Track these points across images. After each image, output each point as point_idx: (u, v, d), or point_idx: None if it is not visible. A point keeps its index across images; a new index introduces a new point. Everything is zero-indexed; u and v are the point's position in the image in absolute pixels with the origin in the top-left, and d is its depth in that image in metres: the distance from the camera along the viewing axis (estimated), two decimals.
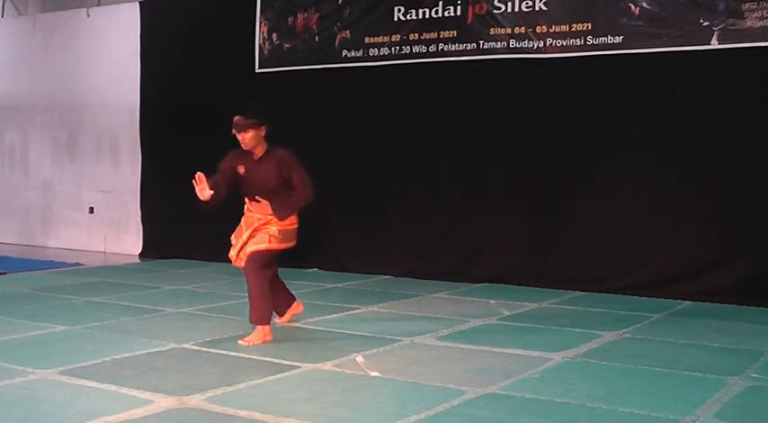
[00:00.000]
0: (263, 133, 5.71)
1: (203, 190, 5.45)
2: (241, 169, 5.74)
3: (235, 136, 5.69)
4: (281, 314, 6.28)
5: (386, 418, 3.98)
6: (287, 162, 5.70)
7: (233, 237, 5.94)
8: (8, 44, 12.49)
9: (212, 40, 10.31)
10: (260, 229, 5.74)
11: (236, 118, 5.67)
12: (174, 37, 10.62)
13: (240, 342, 5.59)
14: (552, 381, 4.71)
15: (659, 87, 7.82)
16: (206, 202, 5.52)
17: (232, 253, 5.91)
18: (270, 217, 5.73)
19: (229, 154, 5.82)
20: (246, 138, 5.65)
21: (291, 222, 5.81)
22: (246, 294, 5.80)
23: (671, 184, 7.82)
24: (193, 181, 5.50)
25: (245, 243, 5.78)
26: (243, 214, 5.95)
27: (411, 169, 9.09)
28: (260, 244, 5.72)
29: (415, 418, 3.97)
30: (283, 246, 5.80)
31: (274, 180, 5.68)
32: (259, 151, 5.72)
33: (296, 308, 6.36)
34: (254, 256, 5.71)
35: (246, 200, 5.88)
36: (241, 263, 5.83)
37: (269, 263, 5.81)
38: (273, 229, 5.72)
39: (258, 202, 5.75)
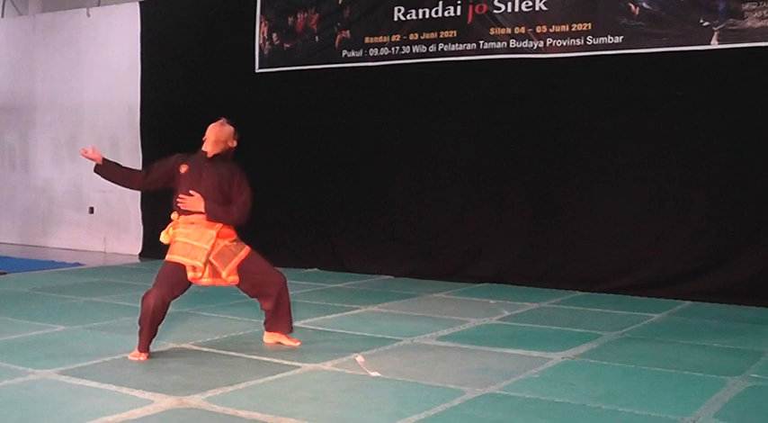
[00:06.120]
0: (234, 145, 5.41)
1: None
2: (183, 168, 5.36)
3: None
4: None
5: (386, 418, 3.98)
6: (239, 177, 5.37)
7: (183, 256, 5.25)
8: (8, 44, 12.49)
9: (212, 40, 10.30)
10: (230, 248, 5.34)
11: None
12: (174, 37, 10.62)
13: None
14: (552, 381, 4.71)
15: (659, 87, 7.83)
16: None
17: (197, 273, 5.26)
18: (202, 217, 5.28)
19: (173, 156, 5.46)
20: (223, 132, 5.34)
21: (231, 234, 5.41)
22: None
23: (671, 184, 7.82)
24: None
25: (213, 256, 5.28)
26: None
27: (411, 169, 9.08)
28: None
29: (415, 418, 3.97)
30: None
31: (219, 187, 5.29)
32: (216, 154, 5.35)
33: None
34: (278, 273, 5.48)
35: (177, 214, 5.40)
36: (222, 282, 5.41)
37: None
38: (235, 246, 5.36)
39: (191, 196, 5.26)
